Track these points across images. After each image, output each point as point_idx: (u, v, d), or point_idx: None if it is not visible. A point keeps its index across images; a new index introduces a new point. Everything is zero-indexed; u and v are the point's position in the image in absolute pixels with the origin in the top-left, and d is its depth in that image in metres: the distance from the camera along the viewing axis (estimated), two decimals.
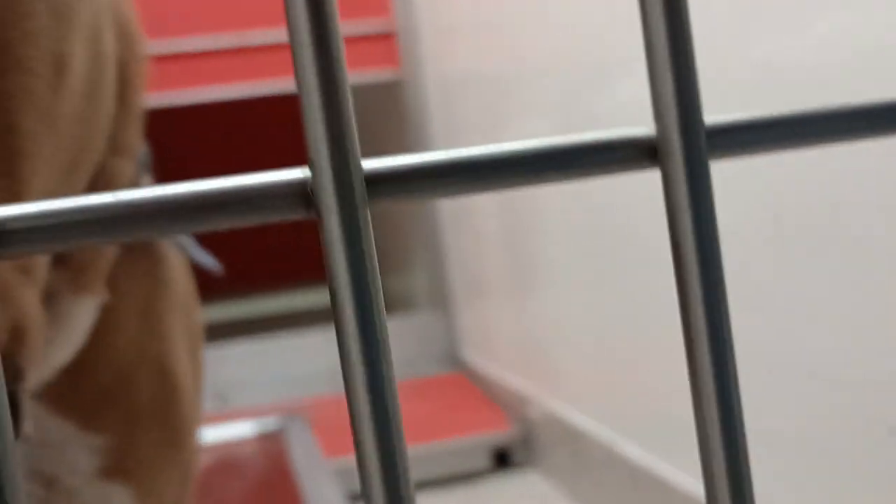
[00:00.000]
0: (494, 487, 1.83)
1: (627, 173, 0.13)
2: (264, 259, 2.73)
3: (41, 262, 0.38)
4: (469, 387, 2.22)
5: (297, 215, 0.09)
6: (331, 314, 0.11)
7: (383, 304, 0.12)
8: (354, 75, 2.16)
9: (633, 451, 1.53)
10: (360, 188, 0.09)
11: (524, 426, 1.94)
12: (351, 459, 1.61)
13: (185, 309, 0.53)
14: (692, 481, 1.38)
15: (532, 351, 1.95)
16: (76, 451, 0.48)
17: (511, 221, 2.00)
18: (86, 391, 0.47)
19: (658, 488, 1.47)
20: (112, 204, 0.10)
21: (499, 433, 1.91)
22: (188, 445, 0.53)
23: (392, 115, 2.36)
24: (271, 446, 1.47)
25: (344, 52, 0.10)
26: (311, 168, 0.09)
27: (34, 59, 0.33)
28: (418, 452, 1.83)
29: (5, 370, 0.35)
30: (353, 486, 1.58)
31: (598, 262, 1.62)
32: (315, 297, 2.84)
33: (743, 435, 0.15)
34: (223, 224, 0.10)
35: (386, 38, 2.08)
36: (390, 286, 2.87)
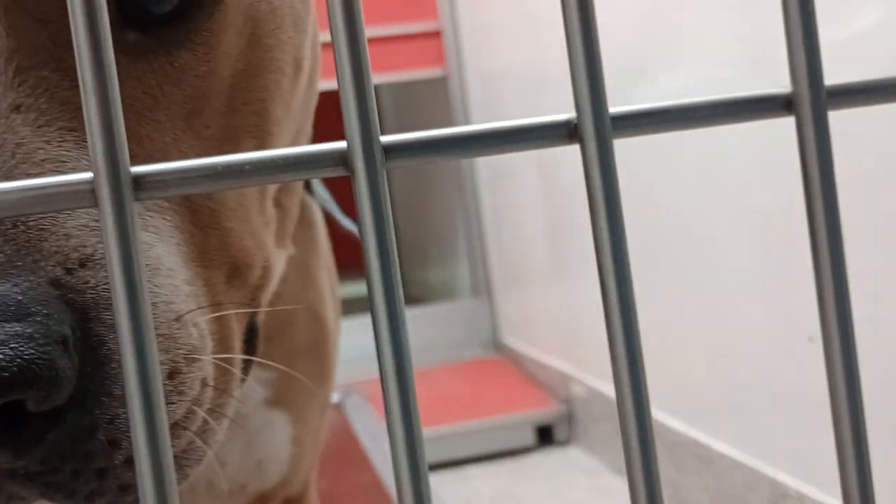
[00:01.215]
0: (539, 462, 1.89)
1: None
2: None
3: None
4: (510, 369, 2.28)
5: (337, 173, 0.17)
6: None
7: (395, 241, 0.16)
8: (406, 74, 2.36)
9: (674, 424, 1.58)
10: (379, 154, 0.16)
11: (565, 404, 2.00)
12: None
13: (328, 267, 0.63)
14: (729, 449, 1.43)
15: (571, 333, 2.00)
16: (251, 383, 0.56)
17: (549, 213, 2.07)
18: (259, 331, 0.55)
19: (697, 459, 1.52)
20: (214, 163, 0.17)
21: (541, 411, 1.97)
22: (330, 382, 0.63)
23: (439, 108, 2.48)
24: (334, 417, 1.55)
25: (368, 58, 0.18)
26: (348, 140, 0.16)
27: (283, 61, 0.41)
28: (466, 429, 1.90)
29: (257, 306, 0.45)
30: None
31: (634, 247, 1.67)
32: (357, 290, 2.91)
33: None
34: (290, 177, 0.17)
35: (433, 38, 2.32)
36: (436, 277, 2.96)
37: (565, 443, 1.98)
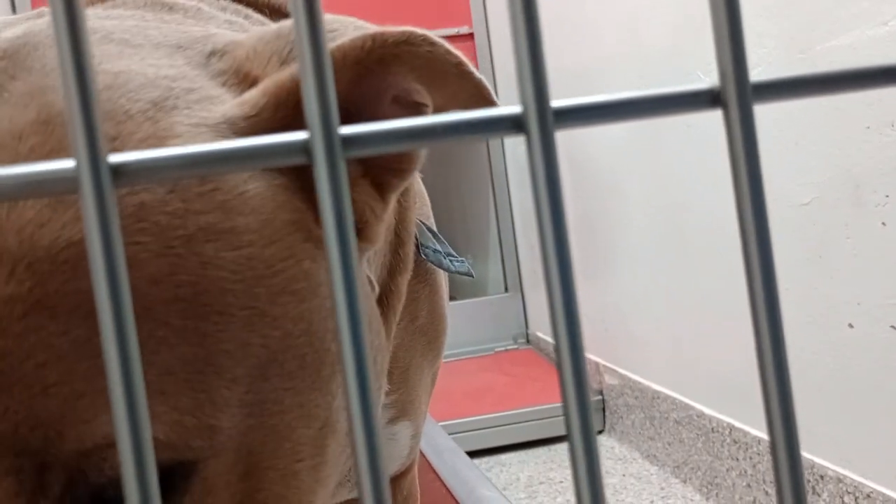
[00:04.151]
0: None
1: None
2: None
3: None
4: (540, 360, 2.30)
5: (298, 161, 0.19)
6: None
7: (352, 220, 0.19)
8: None
9: (704, 411, 1.58)
10: (338, 145, 0.18)
11: (598, 395, 2.01)
12: (449, 424, 1.70)
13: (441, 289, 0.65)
14: (765, 434, 1.43)
15: (600, 327, 2.01)
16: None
17: (578, 210, 2.07)
18: None
19: (734, 445, 1.52)
20: (190, 153, 0.19)
21: None
22: (440, 357, 0.65)
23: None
24: None
25: (327, 46, 0.19)
26: (310, 131, 0.17)
27: (296, 467, 0.38)
28: (500, 419, 1.92)
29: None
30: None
31: (664, 244, 1.68)
32: None
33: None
34: (247, 167, 0.19)
35: (467, 39, 2.53)
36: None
37: (598, 432, 1.99)
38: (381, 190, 0.41)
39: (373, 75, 0.38)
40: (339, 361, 0.37)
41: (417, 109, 0.40)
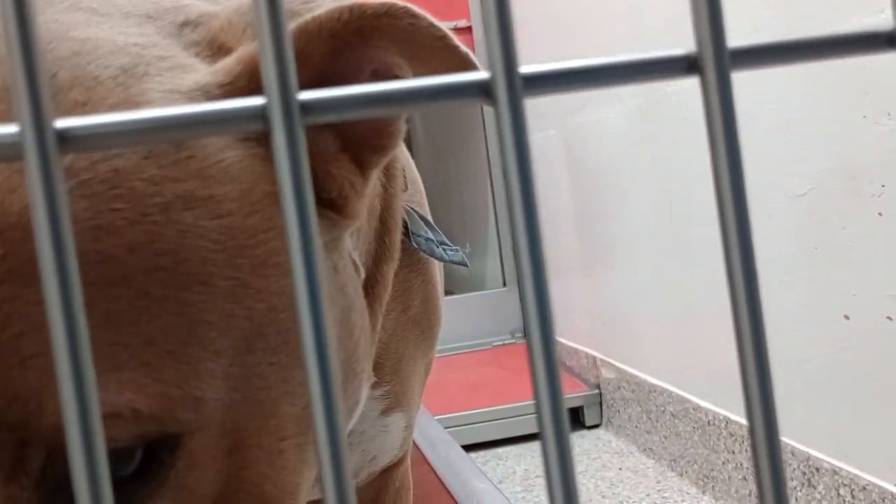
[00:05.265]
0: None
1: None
2: None
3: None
4: None
5: (255, 127, 0.18)
6: None
7: (312, 192, 0.19)
8: None
9: (701, 405, 1.58)
10: (296, 111, 0.17)
11: (595, 389, 2.00)
12: (447, 417, 1.71)
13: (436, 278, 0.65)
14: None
15: (600, 322, 2.01)
16: (367, 403, 0.57)
17: (577, 204, 2.07)
18: None
19: (730, 437, 1.52)
20: (141, 118, 0.18)
21: (571, 395, 1.98)
22: (433, 348, 0.65)
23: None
24: None
25: (287, 22, 0.19)
26: (268, 96, 0.16)
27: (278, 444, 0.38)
28: (497, 413, 1.92)
29: None
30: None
31: (663, 238, 1.67)
32: None
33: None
34: (202, 133, 0.18)
35: (465, 33, 2.54)
36: (466, 269, 2.99)
37: (595, 426, 1.99)
38: (361, 166, 0.40)
39: (350, 48, 0.37)
40: (298, 339, 0.37)
41: None
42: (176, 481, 0.33)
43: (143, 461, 0.33)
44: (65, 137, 0.15)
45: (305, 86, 0.37)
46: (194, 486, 0.34)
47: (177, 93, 0.34)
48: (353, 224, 0.41)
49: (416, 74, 0.39)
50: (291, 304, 0.36)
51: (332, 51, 0.37)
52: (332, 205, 0.39)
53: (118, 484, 0.32)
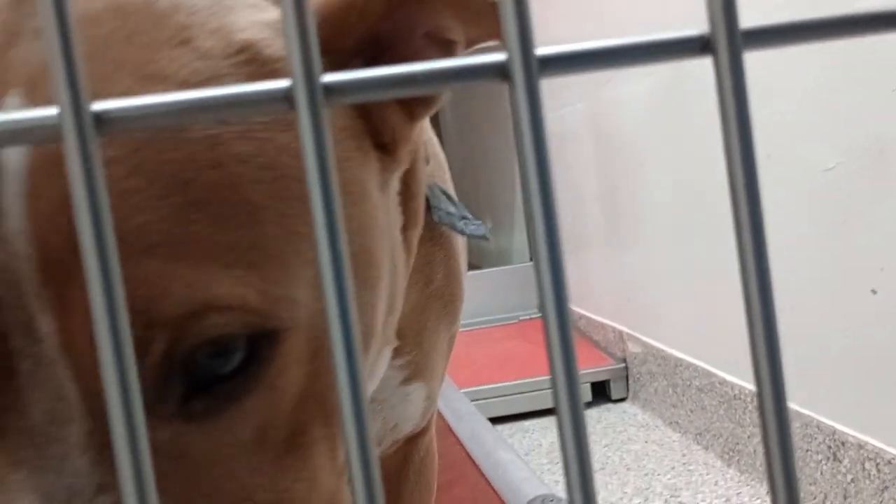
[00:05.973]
0: (596, 417, 1.91)
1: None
2: None
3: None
4: None
5: (281, 108, 0.19)
6: None
7: (334, 169, 0.19)
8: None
9: (726, 378, 1.58)
10: (319, 93, 0.18)
11: (621, 363, 2.01)
12: (473, 390, 1.72)
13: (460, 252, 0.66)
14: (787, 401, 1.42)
15: (626, 296, 2.01)
16: (388, 372, 0.59)
17: (603, 179, 2.06)
18: None
19: (751, 412, 1.52)
20: (172, 101, 0.19)
21: (597, 369, 1.98)
22: (456, 322, 0.66)
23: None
24: None
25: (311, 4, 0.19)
26: (293, 79, 0.17)
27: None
28: (523, 387, 1.93)
29: None
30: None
31: (688, 213, 1.67)
32: None
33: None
34: (231, 115, 0.19)
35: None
36: (492, 244, 2.99)
37: (622, 399, 2.00)
38: (411, 115, 0.43)
39: (405, 9, 0.39)
40: (360, 267, 0.41)
41: (447, 47, 0.41)
42: (269, 381, 0.36)
43: (243, 361, 0.35)
44: (101, 119, 0.16)
45: (360, 41, 0.39)
46: (284, 386, 0.37)
47: (261, 24, 0.37)
48: (401, 168, 0.45)
49: (468, 38, 0.42)
50: (360, 229, 0.40)
51: (388, 10, 0.39)
52: (384, 148, 0.43)
53: (220, 380, 0.35)
